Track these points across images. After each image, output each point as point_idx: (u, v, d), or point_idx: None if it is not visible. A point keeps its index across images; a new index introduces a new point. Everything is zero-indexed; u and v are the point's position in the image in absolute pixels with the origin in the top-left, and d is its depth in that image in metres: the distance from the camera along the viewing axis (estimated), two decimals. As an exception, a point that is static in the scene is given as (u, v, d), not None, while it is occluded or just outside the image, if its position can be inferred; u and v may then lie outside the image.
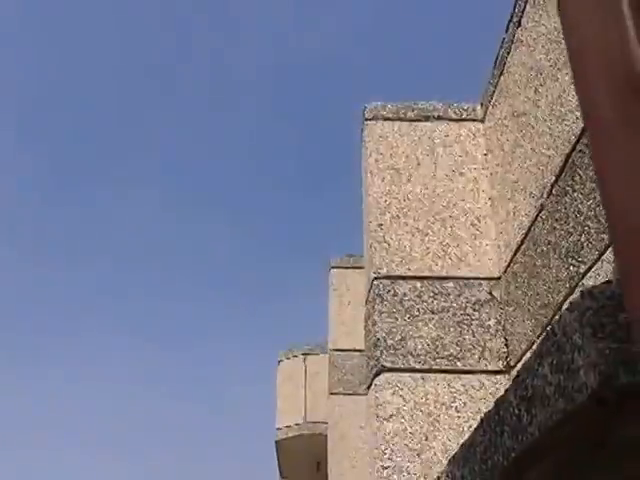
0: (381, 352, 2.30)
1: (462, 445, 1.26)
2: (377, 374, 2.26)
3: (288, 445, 6.05)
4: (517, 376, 1.02)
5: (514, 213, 2.37)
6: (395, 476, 2.02)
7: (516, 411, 1.01)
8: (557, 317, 0.90)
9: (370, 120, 2.82)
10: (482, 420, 1.16)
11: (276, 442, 6.14)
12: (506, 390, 1.07)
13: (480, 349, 2.30)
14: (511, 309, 2.33)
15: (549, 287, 2.04)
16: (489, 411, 1.13)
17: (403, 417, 2.13)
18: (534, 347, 1.77)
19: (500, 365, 2.24)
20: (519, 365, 2.17)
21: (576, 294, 0.81)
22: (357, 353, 4.40)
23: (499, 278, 2.47)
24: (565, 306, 0.90)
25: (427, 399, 2.17)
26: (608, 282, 0.84)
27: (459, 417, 2.11)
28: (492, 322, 2.37)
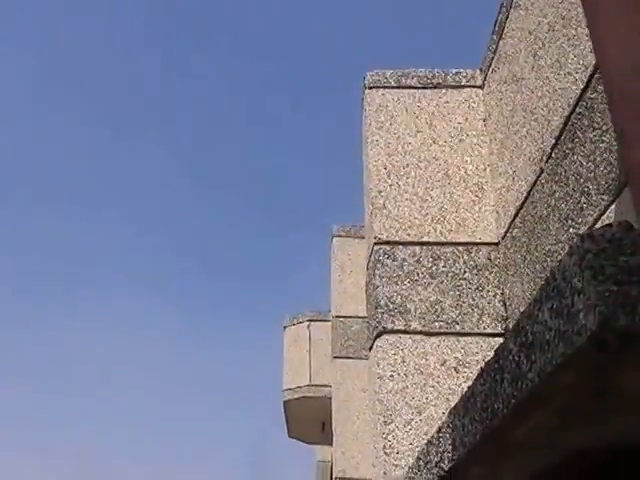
0: (382, 315, 2.32)
1: (462, 396, 1.28)
2: (378, 336, 2.30)
3: (294, 406, 6.30)
4: (517, 324, 1.04)
5: (513, 178, 2.38)
6: (397, 432, 2.06)
7: (516, 358, 1.03)
8: (557, 262, 0.91)
9: (370, 88, 2.81)
10: (482, 370, 1.18)
11: (284, 402, 6.39)
12: (505, 338, 1.09)
13: (479, 312, 2.33)
14: (510, 273, 2.36)
15: (548, 250, 2.06)
16: (489, 360, 1.15)
17: (404, 376, 2.17)
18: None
19: (499, 328, 2.27)
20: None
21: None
22: (359, 319, 4.48)
23: (498, 243, 2.48)
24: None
25: (427, 359, 2.21)
26: (609, 225, 0.85)
27: (458, 377, 2.15)
28: (491, 286, 2.39)
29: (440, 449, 1.42)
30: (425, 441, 1.67)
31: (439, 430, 1.44)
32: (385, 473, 2.05)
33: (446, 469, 1.37)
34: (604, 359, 0.85)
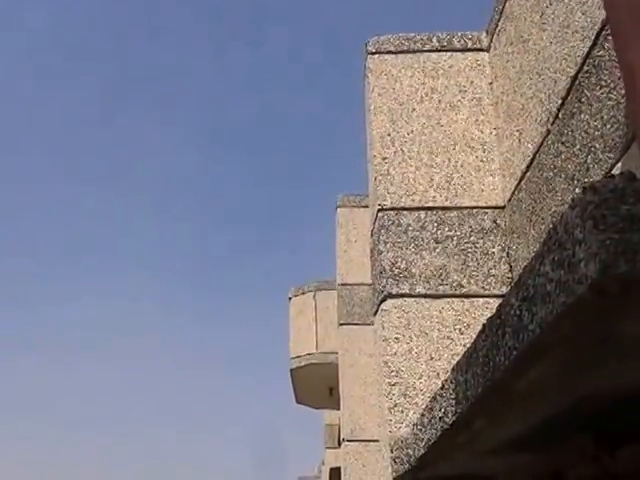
0: (387, 280, 2.34)
1: (465, 352, 1.30)
2: (383, 300, 2.31)
3: (302, 373, 6.42)
4: (518, 279, 1.04)
5: (519, 141, 2.37)
6: (402, 392, 2.10)
7: (517, 312, 1.04)
8: (559, 216, 0.92)
9: (373, 54, 2.78)
10: (484, 326, 1.20)
11: (291, 370, 6.50)
12: (507, 294, 1.10)
13: (484, 275, 2.34)
14: (515, 236, 2.36)
15: (554, 211, 2.06)
16: (491, 316, 1.17)
17: (409, 338, 2.20)
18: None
19: (504, 290, 2.28)
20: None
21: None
22: (364, 287, 4.52)
23: (503, 207, 2.48)
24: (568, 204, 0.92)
25: (432, 322, 2.23)
26: (611, 176, 0.85)
27: (463, 338, 2.17)
28: (496, 249, 2.40)
29: (444, 404, 1.44)
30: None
31: (442, 386, 1.47)
32: (390, 432, 2.09)
33: (450, 423, 1.40)
34: (604, 307, 0.86)
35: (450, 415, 1.42)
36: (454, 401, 1.37)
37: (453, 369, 1.37)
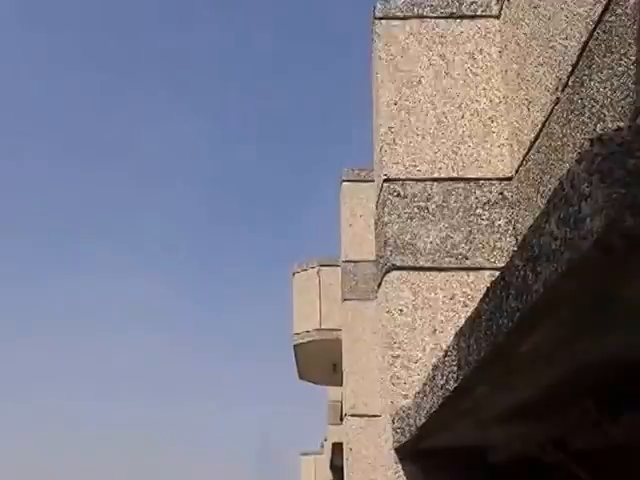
0: (391, 251, 2.32)
1: (468, 317, 1.28)
2: (387, 272, 2.29)
3: (305, 349, 6.44)
4: (523, 239, 1.02)
5: (529, 109, 2.32)
6: (404, 363, 2.09)
7: (521, 273, 1.02)
8: (566, 171, 0.89)
9: (379, 19, 2.72)
10: (488, 289, 1.18)
11: (294, 346, 6.53)
12: (511, 256, 1.08)
13: (490, 248, 2.32)
14: (522, 207, 2.32)
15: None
16: (494, 279, 1.15)
17: (412, 311, 2.18)
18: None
19: (509, 261, 2.26)
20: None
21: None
22: (369, 263, 4.50)
23: (511, 178, 2.44)
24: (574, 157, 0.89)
25: (436, 294, 2.21)
26: (618, 129, 0.82)
27: (467, 311, 2.15)
28: (502, 222, 2.37)
29: (446, 371, 1.43)
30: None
31: (445, 354, 1.45)
32: (392, 402, 2.09)
33: (452, 390, 1.39)
34: (609, 264, 0.83)
35: (452, 382, 1.40)
36: (456, 367, 1.36)
37: (456, 335, 1.35)
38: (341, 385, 5.23)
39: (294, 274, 6.59)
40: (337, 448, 7.03)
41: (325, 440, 9.61)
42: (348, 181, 4.95)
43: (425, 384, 1.65)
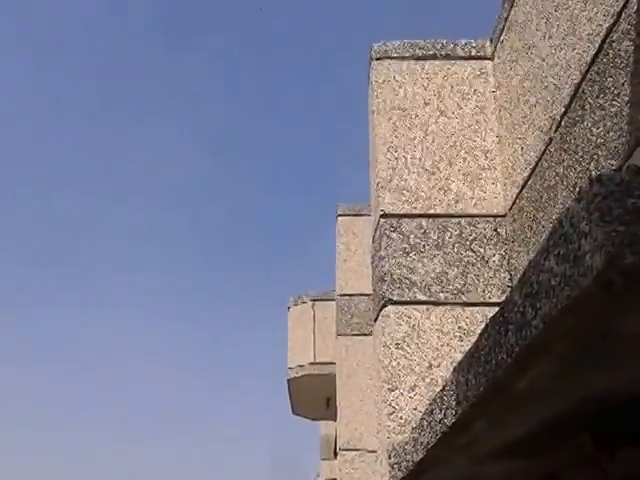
0: (387, 286, 2.33)
1: (467, 352, 1.29)
2: (384, 306, 2.31)
3: (299, 383, 6.39)
4: (522, 275, 1.04)
5: (522, 149, 2.37)
6: (401, 398, 2.08)
7: (521, 309, 1.03)
8: (565, 209, 0.91)
9: (377, 59, 2.79)
10: (487, 325, 1.19)
11: (288, 380, 6.48)
12: (510, 291, 1.09)
13: (484, 283, 2.34)
14: (516, 244, 2.35)
15: (555, 219, 2.06)
16: (494, 315, 1.16)
17: (408, 345, 2.18)
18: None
19: (503, 298, 2.27)
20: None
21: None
22: (364, 297, 4.50)
23: (505, 215, 2.48)
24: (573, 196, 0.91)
25: (432, 329, 2.22)
26: (618, 169, 0.85)
27: (462, 346, 2.16)
28: (497, 258, 2.39)
29: (444, 406, 1.43)
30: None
31: (443, 388, 1.46)
32: (389, 438, 2.07)
33: (450, 425, 1.38)
34: (609, 300, 0.85)
35: (450, 417, 1.40)
36: (455, 402, 1.36)
37: (454, 370, 1.36)
38: (334, 420, 5.18)
39: (289, 308, 6.60)
40: (330, 485, 6.92)
41: (318, 476, 9.45)
42: (343, 215, 5.00)
43: (423, 419, 1.64)
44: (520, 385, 1.13)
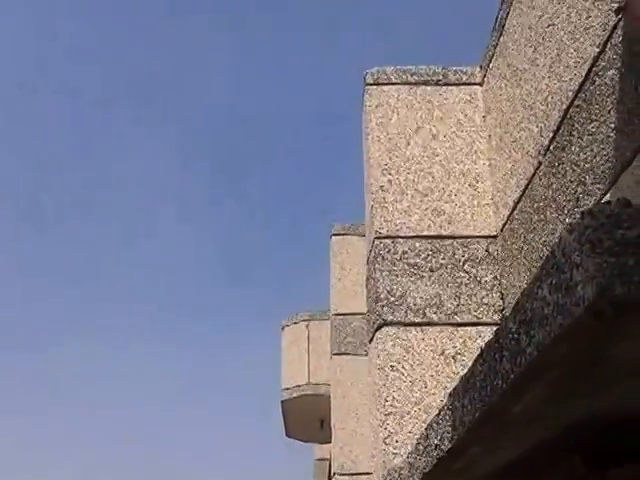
0: (382, 307, 2.35)
1: (462, 377, 1.31)
2: (379, 328, 2.32)
3: (293, 404, 6.32)
4: (516, 302, 1.06)
5: (512, 172, 2.41)
6: (396, 421, 2.09)
7: (515, 336, 1.06)
8: (557, 239, 0.94)
9: (371, 85, 2.84)
10: (482, 350, 1.21)
11: (282, 402, 6.40)
12: (505, 318, 1.12)
13: (477, 303, 2.36)
14: (507, 265, 2.39)
15: (545, 240, 2.09)
16: (489, 340, 1.18)
17: (403, 367, 2.20)
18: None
19: (496, 318, 2.30)
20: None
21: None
22: (358, 316, 4.51)
23: (496, 236, 2.52)
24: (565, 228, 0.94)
25: (427, 350, 2.24)
26: (607, 202, 0.88)
27: (457, 366, 2.18)
28: (489, 278, 2.42)
29: (440, 431, 1.44)
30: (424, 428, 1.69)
31: (439, 413, 1.47)
32: (384, 462, 2.08)
33: (446, 450, 1.40)
34: (600, 329, 0.88)
35: (446, 442, 1.42)
36: (450, 427, 1.38)
37: (450, 395, 1.38)
38: (328, 442, 5.15)
39: (283, 328, 6.55)
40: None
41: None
42: (337, 235, 5.02)
43: (419, 443, 1.66)
44: (514, 410, 1.15)
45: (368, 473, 2.52)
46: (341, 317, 4.80)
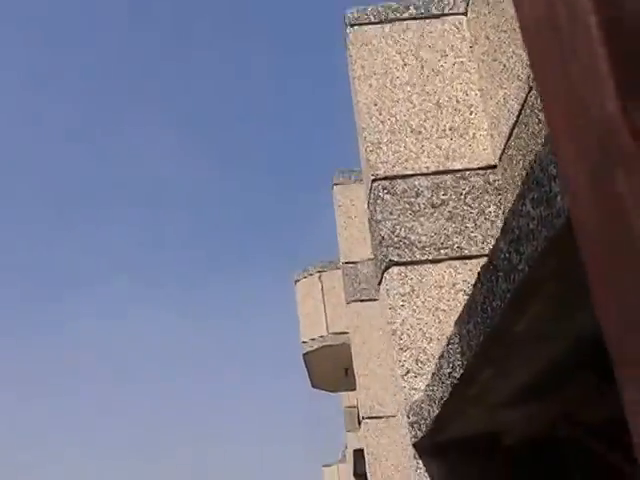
0: (387, 248, 2.37)
1: (465, 304, 1.33)
2: (386, 269, 2.34)
3: (315, 356, 6.37)
4: (504, 223, 1.07)
5: (504, 99, 2.38)
6: (413, 357, 2.13)
7: (507, 255, 1.07)
8: (533, 156, 0.94)
9: (352, 26, 2.78)
10: (478, 274, 1.23)
11: (304, 355, 6.46)
12: (496, 240, 1.13)
13: (482, 236, 2.36)
14: (509, 192, 2.38)
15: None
16: (483, 264, 1.20)
17: (414, 304, 2.23)
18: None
19: (502, 247, 2.31)
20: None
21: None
22: (368, 262, 4.53)
23: (495, 166, 2.50)
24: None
25: (435, 285, 2.26)
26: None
27: (467, 299, 2.20)
28: (492, 208, 2.42)
29: (451, 359, 1.47)
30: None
31: (448, 343, 1.50)
32: (405, 399, 2.13)
33: (458, 377, 1.43)
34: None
35: (458, 369, 1.45)
36: (460, 354, 1.41)
37: (456, 323, 1.40)
38: (354, 389, 5.24)
39: (296, 282, 6.56)
40: (358, 455, 7.02)
41: (345, 448, 9.57)
42: (339, 184, 5.00)
43: (434, 374, 1.70)
44: (518, 328, 1.18)
45: (395, 416, 2.58)
46: (351, 265, 4.82)
